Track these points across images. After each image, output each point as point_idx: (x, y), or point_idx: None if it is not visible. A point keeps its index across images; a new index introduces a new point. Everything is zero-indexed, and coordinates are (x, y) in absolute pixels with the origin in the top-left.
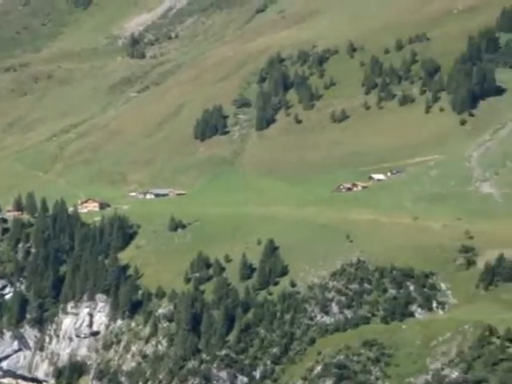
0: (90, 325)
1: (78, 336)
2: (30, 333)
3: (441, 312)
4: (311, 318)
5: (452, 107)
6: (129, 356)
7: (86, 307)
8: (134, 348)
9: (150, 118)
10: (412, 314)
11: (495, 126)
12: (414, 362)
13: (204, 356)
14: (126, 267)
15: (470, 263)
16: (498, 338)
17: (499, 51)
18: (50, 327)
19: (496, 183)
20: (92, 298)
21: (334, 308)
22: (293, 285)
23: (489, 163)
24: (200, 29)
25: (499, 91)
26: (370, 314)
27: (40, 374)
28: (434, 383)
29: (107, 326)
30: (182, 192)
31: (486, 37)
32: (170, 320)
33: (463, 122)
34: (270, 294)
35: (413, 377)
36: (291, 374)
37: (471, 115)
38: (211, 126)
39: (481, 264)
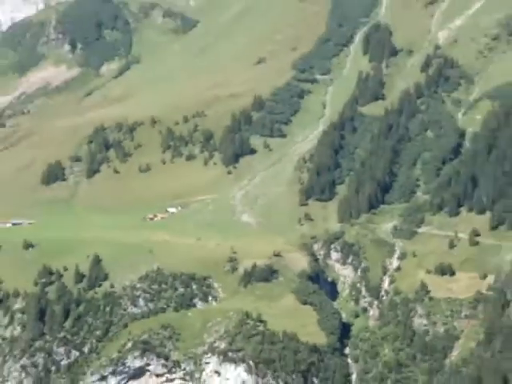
0: None
1: None
2: None
3: (214, 303)
4: (124, 309)
5: (222, 162)
6: None
7: None
8: None
9: (9, 169)
10: (195, 305)
11: (250, 176)
12: (195, 338)
13: (47, 337)
14: None
15: (234, 269)
16: (252, 320)
17: (252, 125)
18: None
19: (251, 214)
20: None
21: (141, 302)
22: (112, 286)
23: (246, 201)
24: (45, 107)
25: (253, 152)
26: (165, 306)
27: None
28: (208, 352)
29: None
30: (32, 222)
31: (244, 114)
32: (23, 312)
33: (229, 173)
34: (96, 293)
35: (194, 348)
36: (110, 348)
37: (235, 168)
38: (54, 175)
39: (241, 270)
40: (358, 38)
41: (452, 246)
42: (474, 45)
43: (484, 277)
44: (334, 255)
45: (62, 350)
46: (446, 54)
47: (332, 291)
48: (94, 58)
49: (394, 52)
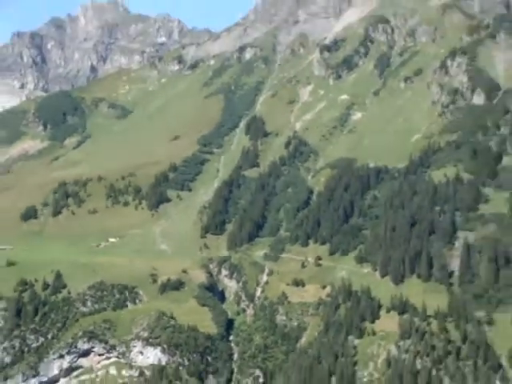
0: None
1: None
2: None
3: (140, 305)
4: (77, 309)
5: (147, 208)
6: None
7: None
8: None
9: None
10: (127, 306)
11: (166, 217)
12: (126, 329)
13: (23, 328)
14: None
15: (155, 281)
16: (167, 316)
17: (169, 182)
18: None
19: (167, 244)
20: None
21: (89, 304)
22: (69, 293)
23: (164, 235)
24: (24, 168)
25: (169, 201)
26: (106, 307)
27: None
28: (135, 338)
29: None
30: (13, 247)
31: (163, 175)
32: (5, 310)
33: (153, 215)
34: (57, 297)
35: (125, 336)
36: (66, 336)
37: (156, 211)
38: (29, 215)
39: (159, 282)
40: (242, 124)
41: (303, 266)
42: (319, 131)
43: (324, 287)
44: (224, 272)
45: (32, 336)
46: (301, 136)
47: (222, 297)
48: (59, 135)
49: (266, 134)
